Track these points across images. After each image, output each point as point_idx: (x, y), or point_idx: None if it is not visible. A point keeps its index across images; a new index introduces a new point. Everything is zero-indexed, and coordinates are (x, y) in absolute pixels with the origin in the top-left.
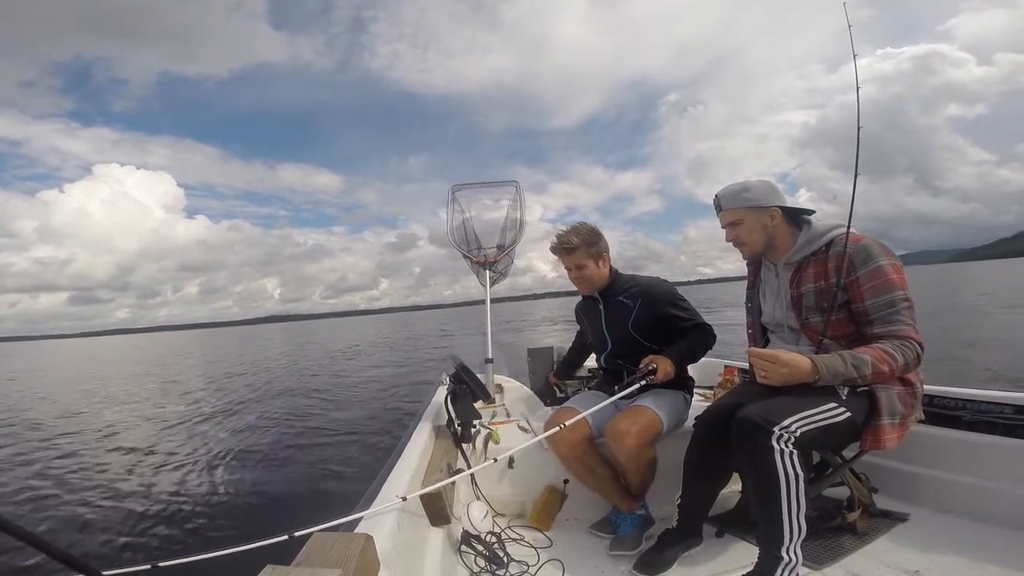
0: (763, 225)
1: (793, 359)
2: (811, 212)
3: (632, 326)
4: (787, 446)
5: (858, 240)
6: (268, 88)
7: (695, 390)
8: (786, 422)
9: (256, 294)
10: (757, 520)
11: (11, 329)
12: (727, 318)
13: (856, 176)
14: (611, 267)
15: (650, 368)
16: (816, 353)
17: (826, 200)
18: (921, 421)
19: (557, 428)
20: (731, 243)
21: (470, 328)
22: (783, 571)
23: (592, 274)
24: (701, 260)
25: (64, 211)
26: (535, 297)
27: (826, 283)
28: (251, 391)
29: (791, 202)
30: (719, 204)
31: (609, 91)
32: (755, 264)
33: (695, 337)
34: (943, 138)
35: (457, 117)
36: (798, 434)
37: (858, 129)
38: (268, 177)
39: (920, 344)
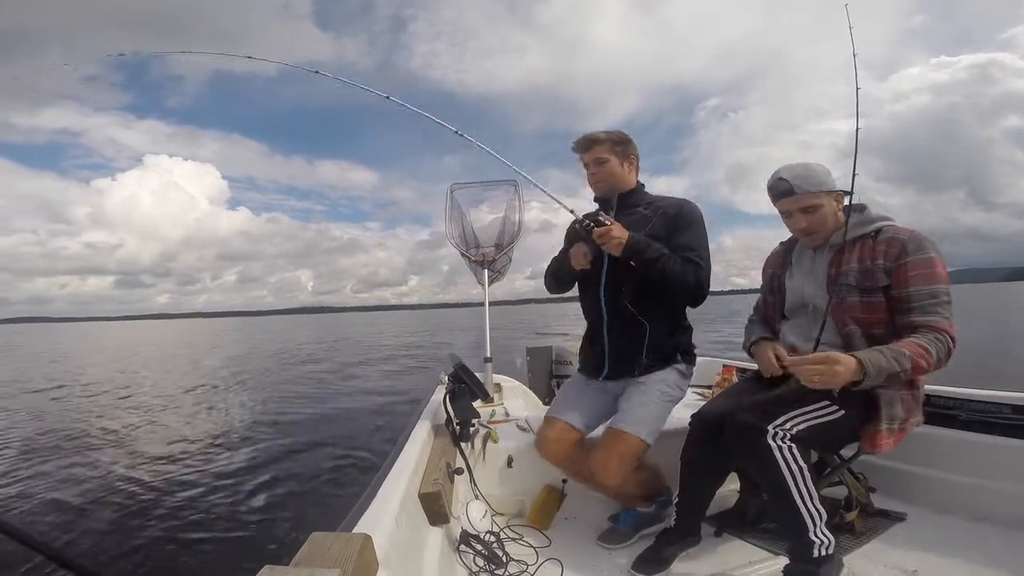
0: (834, 210)
1: (844, 356)
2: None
3: (648, 236)
4: (784, 443)
5: (910, 231)
6: (312, 86)
7: (692, 390)
8: (780, 420)
9: (290, 285)
10: (777, 519)
11: (61, 310)
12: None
13: (853, 181)
14: (639, 181)
15: (599, 218)
16: (840, 335)
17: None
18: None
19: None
20: (800, 231)
21: (513, 325)
22: (819, 551)
23: (614, 170)
24: (735, 270)
25: (115, 199)
26: (566, 300)
27: (872, 263)
28: (252, 390)
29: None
30: (789, 188)
31: (646, 94)
32: (790, 246)
33: (684, 263)
34: (1000, 151)
35: (492, 117)
36: (794, 432)
37: (856, 132)
38: (307, 172)
39: (952, 339)
